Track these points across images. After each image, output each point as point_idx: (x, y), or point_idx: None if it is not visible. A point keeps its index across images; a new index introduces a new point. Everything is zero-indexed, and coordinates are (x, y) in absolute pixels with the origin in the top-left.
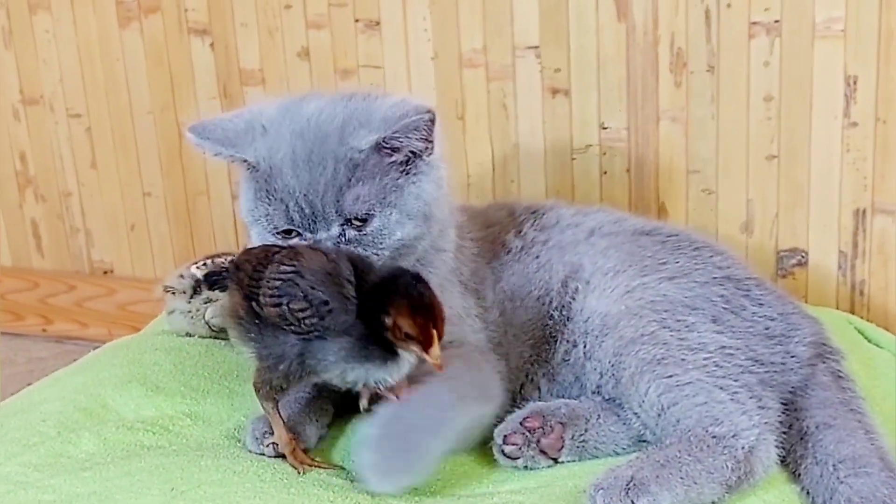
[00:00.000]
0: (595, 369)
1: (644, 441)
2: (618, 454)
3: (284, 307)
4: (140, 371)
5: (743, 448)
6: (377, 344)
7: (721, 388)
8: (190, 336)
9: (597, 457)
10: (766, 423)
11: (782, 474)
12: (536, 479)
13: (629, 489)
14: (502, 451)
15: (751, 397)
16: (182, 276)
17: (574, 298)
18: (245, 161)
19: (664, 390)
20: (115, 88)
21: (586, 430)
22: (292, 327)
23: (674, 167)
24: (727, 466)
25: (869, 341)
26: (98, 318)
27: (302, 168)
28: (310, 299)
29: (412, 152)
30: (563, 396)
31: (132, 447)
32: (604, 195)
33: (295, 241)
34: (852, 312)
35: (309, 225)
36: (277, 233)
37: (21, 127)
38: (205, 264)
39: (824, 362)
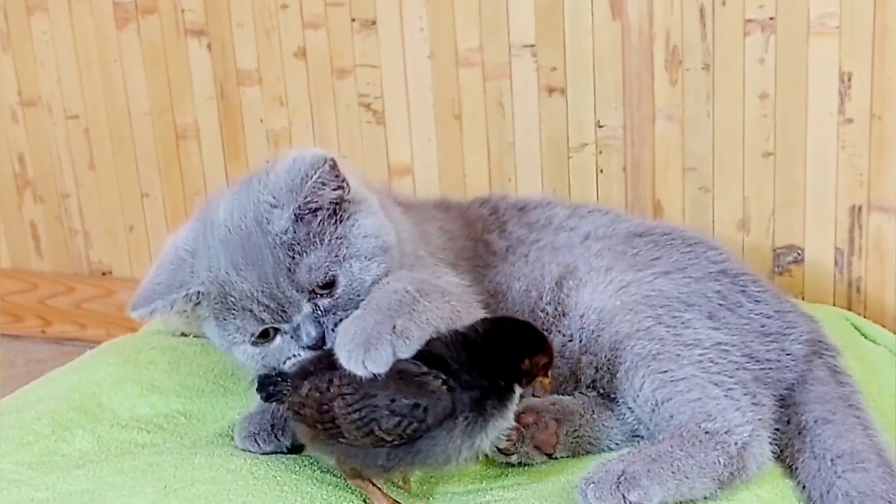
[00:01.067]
0: (591, 363)
1: (638, 436)
2: (612, 449)
3: (378, 432)
4: (135, 370)
5: (736, 444)
6: (492, 395)
7: (716, 384)
8: (185, 335)
9: (591, 452)
10: (759, 419)
11: (778, 469)
12: (530, 474)
13: (620, 483)
14: (496, 446)
15: (745, 394)
16: None
17: (568, 295)
18: (198, 293)
19: (658, 385)
20: (112, 90)
21: (580, 426)
22: (396, 441)
23: (670, 165)
24: (719, 462)
25: (865, 338)
26: (97, 320)
27: (245, 270)
28: (398, 411)
29: (333, 202)
30: (558, 392)
31: (126, 445)
32: (600, 193)
33: (279, 341)
34: (849, 309)
35: (281, 316)
36: (256, 339)
37: (19, 128)
38: None
39: (821, 358)
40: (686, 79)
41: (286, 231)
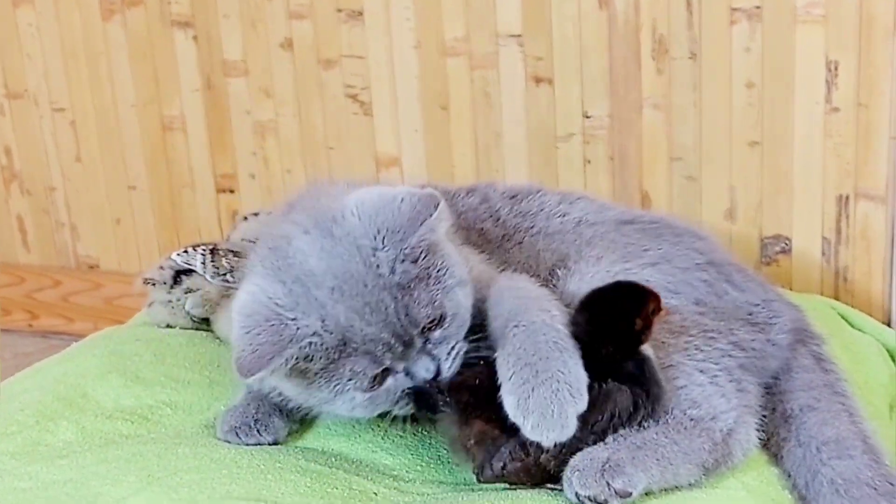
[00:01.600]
0: None
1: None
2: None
3: (622, 427)
4: (120, 361)
5: (721, 430)
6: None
7: (701, 371)
8: (170, 327)
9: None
10: (745, 406)
11: (763, 457)
12: None
13: (604, 470)
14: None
15: (730, 380)
16: (162, 268)
17: (558, 285)
18: (310, 343)
19: None
20: (98, 82)
21: None
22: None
23: (657, 155)
24: (704, 448)
25: (852, 326)
26: (84, 313)
27: (368, 315)
28: (600, 431)
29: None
30: None
31: (110, 435)
32: (587, 183)
33: (390, 382)
34: (836, 298)
35: (402, 355)
36: (372, 382)
37: (6, 121)
38: (185, 252)
39: (805, 346)
40: (673, 68)
41: (400, 272)
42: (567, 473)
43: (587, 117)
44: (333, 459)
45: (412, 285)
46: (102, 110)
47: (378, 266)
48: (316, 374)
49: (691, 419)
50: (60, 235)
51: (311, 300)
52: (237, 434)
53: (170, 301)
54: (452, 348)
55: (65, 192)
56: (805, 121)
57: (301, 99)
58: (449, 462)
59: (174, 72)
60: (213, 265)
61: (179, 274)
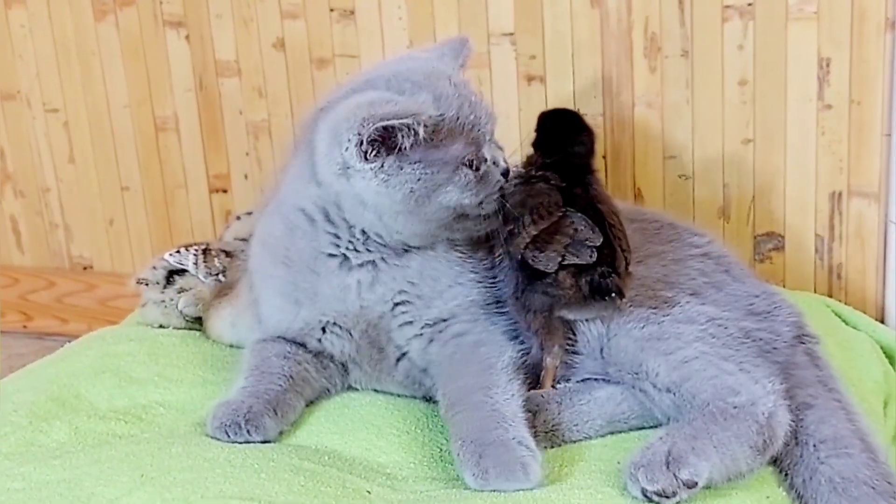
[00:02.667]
0: (587, 352)
1: (618, 422)
2: (590, 438)
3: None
4: (113, 362)
5: (763, 414)
6: None
7: (725, 359)
8: (164, 327)
9: (570, 441)
10: (777, 389)
11: None
12: None
13: (669, 463)
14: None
15: (755, 366)
16: (155, 268)
17: None
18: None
19: (673, 367)
20: (91, 82)
21: (559, 413)
22: None
23: (650, 153)
24: (752, 431)
25: (846, 324)
26: (78, 314)
27: (462, 98)
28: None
29: None
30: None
31: (103, 436)
32: None
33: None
34: (830, 296)
35: (489, 142)
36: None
37: None
38: (178, 252)
39: (803, 344)
40: (665, 66)
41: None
42: (630, 471)
43: None
44: (327, 458)
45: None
46: (95, 111)
47: (446, 69)
48: (431, 156)
49: (735, 406)
50: (54, 237)
51: (426, 85)
52: (226, 432)
53: (163, 301)
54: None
55: (58, 193)
56: (798, 118)
57: (294, 99)
58: (442, 460)
59: (167, 72)
60: (205, 265)
61: (172, 274)
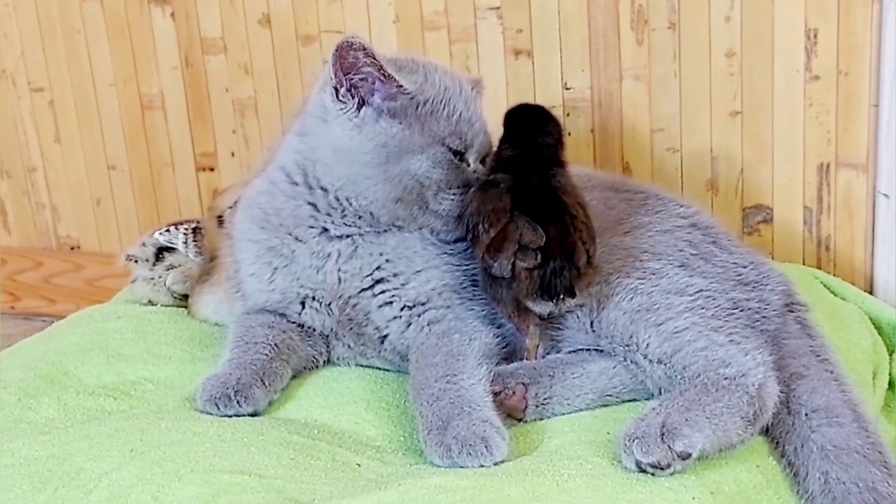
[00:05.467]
0: (578, 325)
1: (609, 396)
2: (581, 410)
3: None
4: (102, 339)
5: (753, 385)
6: None
7: (715, 330)
8: (152, 304)
9: (560, 414)
10: (766, 360)
11: None
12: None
13: (664, 435)
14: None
15: (744, 337)
16: (144, 245)
17: None
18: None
19: (665, 338)
20: (76, 61)
21: (551, 387)
22: None
23: (637, 126)
24: (744, 401)
25: (835, 295)
26: (66, 295)
27: (470, 107)
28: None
29: None
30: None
31: (92, 412)
32: (568, 156)
33: None
34: (818, 268)
35: (478, 154)
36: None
37: None
38: (167, 230)
39: (792, 312)
40: (652, 38)
41: None
42: (624, 443)
43: (567, 89)
44: (316, 431)
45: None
46: (81, 90)
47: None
48: (414, 120)
49: (725, 378)
50: (41, 217)
51: (424, 68)
52: (216, 405)
53: (152, 278)
54: None
55: (44, 173)
56: (785, 89)
57: (280, 75)
58: None
59: (152, 50)
60: (195, 244)
61: (162, 251)
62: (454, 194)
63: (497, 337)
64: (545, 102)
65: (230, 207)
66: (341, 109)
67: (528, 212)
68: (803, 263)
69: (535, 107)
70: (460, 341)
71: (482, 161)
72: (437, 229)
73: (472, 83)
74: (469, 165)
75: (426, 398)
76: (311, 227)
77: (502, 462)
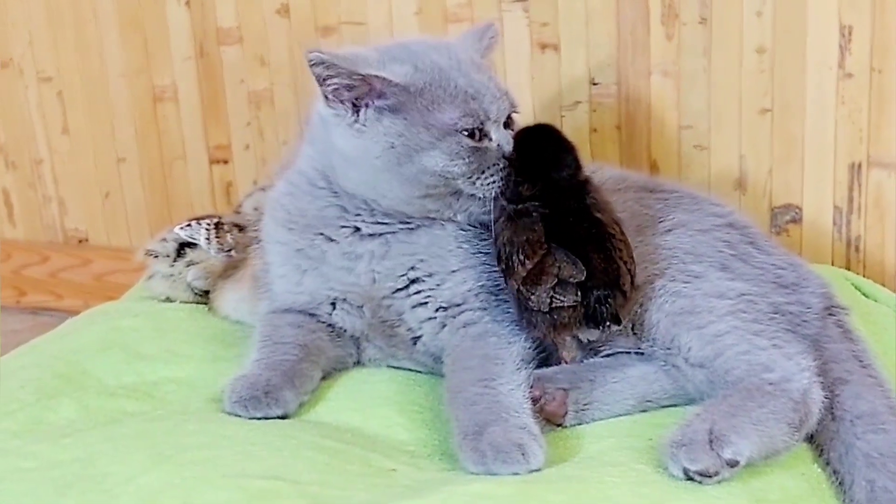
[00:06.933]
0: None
1: (649, 402)
2: (619, 415)
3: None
4: (119, 337)
5: (798, 391)
6: None
7: (757, 334)
8: (170, 301)
9: (599, 419)
10: (810, 365)
11: None
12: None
13: (712, 442)
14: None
15: (787, 342)
16: (165, 240)
17: None
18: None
19: (706, 342)
20: (86, 50)
21: (591, 392)
22: None
23: (665, 123)
24: (788, 408)
25: (866, 297)
26: (73, 289)
27: (469, 69)
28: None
29: None
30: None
31: (114, 413)
32: (594, 153)
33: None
34: (848, 269)
35: (499, 121)
36: (472, 133)
37: None
38: (189, 225)
39: (833, 316)
40: (682, 33)
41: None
42: (670, 450)
43: (594, 84)
44: (349, 435)
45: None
46: (91, 80)
47: (467, 52)
48: (417, 114)
49: (770, 383)
50: (48, 210)
51: (408, 54)
52: (246, 406)
53: (171, 274)
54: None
55: (52, 165)
56: (817, 87)
57: (298, 67)
58: None
59: (166, 40)
60: (217, 240)
61: (183, 247)
62: (489, 175)
63: (532, 342)
64: (571, 98)
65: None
66: (337, 115)
67: (565, 241)
68: (832, 264)
69: (549, 132)
70: (497, 344)
71: (507, 124)
72: (476, 213)
73: (480, 34)
74: (492, 140)
75: (462, 402)
76: (343, 227)
77: (538, 470)
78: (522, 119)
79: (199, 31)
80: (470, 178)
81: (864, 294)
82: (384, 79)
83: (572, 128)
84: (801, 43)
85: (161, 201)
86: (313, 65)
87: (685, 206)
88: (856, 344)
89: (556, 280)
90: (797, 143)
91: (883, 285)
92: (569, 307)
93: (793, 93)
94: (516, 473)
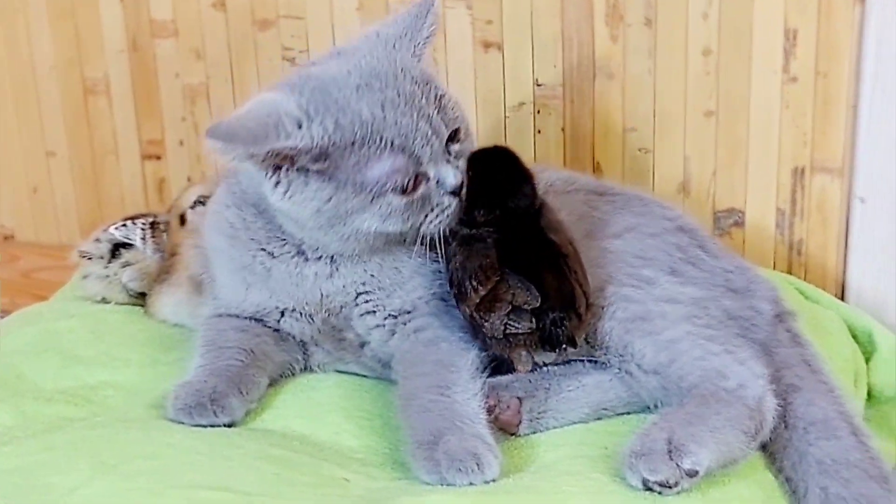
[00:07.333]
0: None
1: (605, 409)
2: (574, 423)
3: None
4: (55, 339)
5: (753, 398)
6: None
7: (710, 340)
8: (106, 302)
9: (554, 427)
10: (764, 373)
11: None
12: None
13: (671, 452)
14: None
15: (739, 347)
16: (98, 240)
17: None
18: (328, 144)
19: (660, 348)
20: (14, 42)
21: (546, 400)
22: None
23: (610, 125)
24: (744, 415)
25: (809, 301)
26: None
27: (401, 108)
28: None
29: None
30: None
31: (53, 420)
32: (538, 155)
33: (423, 189)
34: (789, 272)
35: (435, 156)
36: (407, 184)
37: None
38: (123, 225)
39: (782, 321)
40: (627, 35)
41: (418, 70)
42: (629, 460)
43: (538, 86)
44: (297, 443)
45: (431, 84)
46: (19, 72)
47: (398, 62)
48: (344, 180)
49: (725, 391)
50: None
51: (329, 103)
52: (191, 413)
53: (107, 276)
54: (462, 158)
55: None
56: (762, 90)
57: (235, 61)
58: None
59: (97, 31)
60: (153, 240)
61: (117, 247)
62: (433, 219)
63: (483, 352)
64: (515, 99)
65: (191, 207)
66: (259, 173)
67: (519, 263)
68: (774, 268)
69: (505, 158)
70: (450, 351)
71: (453, 139)
72: (437, 234)
73: (419, 19)
74: (430, 180)
75: (416, 409)
76: (285, 247)
77: (494, 480)
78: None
79: (133, 23)
80: (412, 227)
81: (807, 298)
82: (300, 149)
83: (516, 129)
84: (747, 46)
85: (91, 197)
86: (214, 150)
87: (634, 209)
88: (805, 349)
89: (510, 307)
90: (741, 146)
91: (823, 289)
92: (523, 333)
93: (738, 96)
94: (471, 484)
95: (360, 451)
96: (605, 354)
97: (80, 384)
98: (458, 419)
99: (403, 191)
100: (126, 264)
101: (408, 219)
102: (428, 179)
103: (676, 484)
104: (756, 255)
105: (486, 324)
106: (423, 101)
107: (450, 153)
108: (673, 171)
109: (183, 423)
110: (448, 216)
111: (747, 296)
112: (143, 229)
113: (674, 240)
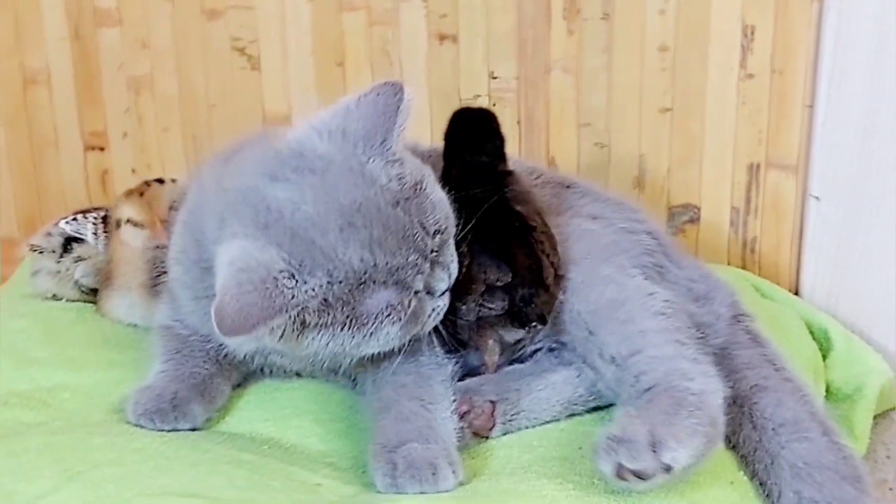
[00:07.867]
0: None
1: (575, 405)
2: (546, 422)
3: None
4: (7, 339)
5: (713, 407)
6: None
7: (680, 342)
8: (57, 298)
9: (526, 427)
10: (721, 387)
11: None
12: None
13: (654, 444)
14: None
15: (703, 355)
16: (49, 234)
17: None
18: (325, 300)
19: (626, 337)
20: None
21: (518, 402)
22: None
23: (565, 120)
24: (706, 421)
25: (764, 297)
26: None
27: (391, 241)
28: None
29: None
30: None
31: (10, 424)
32: None
33: (415, 304)
34: (743, 269)
35: (425, 273)
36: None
37: None
38: (74, 219)
39: (740, 323)
40: (584, 29)
41: (394, 177)
42: (607, 444)
43: (493, 78)
44: (265, 448)
45: (409, 190)
46: None
47: (375, 180)
48: (341, 323)
49: (692, 393)
50: None
51: (316, 254)
52: (152, 419)
53: (58, 271)
54: (451, 251)
55: None
56: (718, 87)
57: (181, 52)
58: None
59: (38, 19)
60: (105, 234)
61: (69, 242)
62: (430, 321)
63: (458, 358)
64: (470, 91)
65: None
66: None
67: (485, 240)
68: (728, 264)
69: (480, 116)
70: (429, 364)
71: (438, 234)
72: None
73: (388, 110)
74: (419, 291)
75: (393, 416)
76: None
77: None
78: (417, 113)
79: (75, 11)
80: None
81: (763, 295)
82: (303, 305)
83: None
84: (704, 42)
85: (31, 189)
86: (239, 345)
87: (605, 203)
88: (766, 348)
89: (485, 287)
90: (697, 142)
91: (777, 286)
92: (496, 315)
93: (694, 92)
94: (422, 493)
95: (330, 455)
96: (569, 336)
97: (35, 387)
98: (431, 432)
99: (401, 319)
100: (79, 259)
101: (406, 334)
102: (418, 292)
103: (651, 477)
104: (710, 251)
105: (462, 307)
106: (409, 224)
107: (435, 254)
108: (628, 166)
109: (144, 427)
110: (442, 313)
111: (708, 302)
112: (94, 224)
113: (644, 241)
